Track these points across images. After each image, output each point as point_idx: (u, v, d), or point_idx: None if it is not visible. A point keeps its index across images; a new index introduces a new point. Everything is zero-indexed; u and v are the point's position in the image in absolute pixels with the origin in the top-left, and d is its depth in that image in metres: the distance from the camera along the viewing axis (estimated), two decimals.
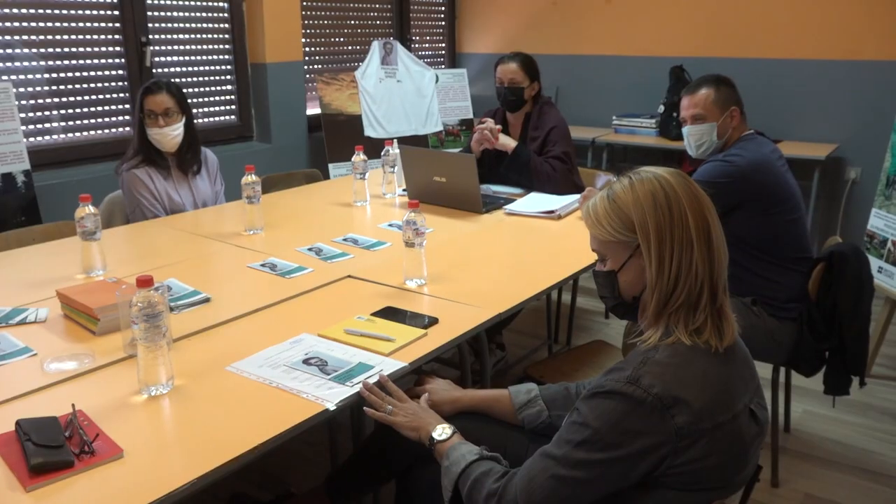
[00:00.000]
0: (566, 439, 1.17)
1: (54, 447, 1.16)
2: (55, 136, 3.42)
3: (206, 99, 4.06)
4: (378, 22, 5.11)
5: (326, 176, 4.17)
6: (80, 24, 3.42)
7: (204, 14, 3.96)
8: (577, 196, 2.78)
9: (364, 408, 1.43)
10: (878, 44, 4.10)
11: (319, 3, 4.62)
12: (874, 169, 3.82)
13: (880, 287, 3.13)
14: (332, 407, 1.34)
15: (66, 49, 3.39)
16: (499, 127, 3.08)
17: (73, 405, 1.28)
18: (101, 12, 3.48)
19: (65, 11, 3.35)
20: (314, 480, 1.86)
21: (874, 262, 3.21)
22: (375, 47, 4.55)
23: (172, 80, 3.33)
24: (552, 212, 2.68)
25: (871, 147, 4.10)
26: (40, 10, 3.26)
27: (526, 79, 3.09)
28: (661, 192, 1.19)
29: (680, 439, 1.11)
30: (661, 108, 4.60)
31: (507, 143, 3.05)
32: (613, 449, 1.12)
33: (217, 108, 4.15)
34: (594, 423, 1.14)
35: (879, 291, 3.02)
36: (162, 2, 3.72)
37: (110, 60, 3.55)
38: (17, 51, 3.24)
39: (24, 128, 3.18)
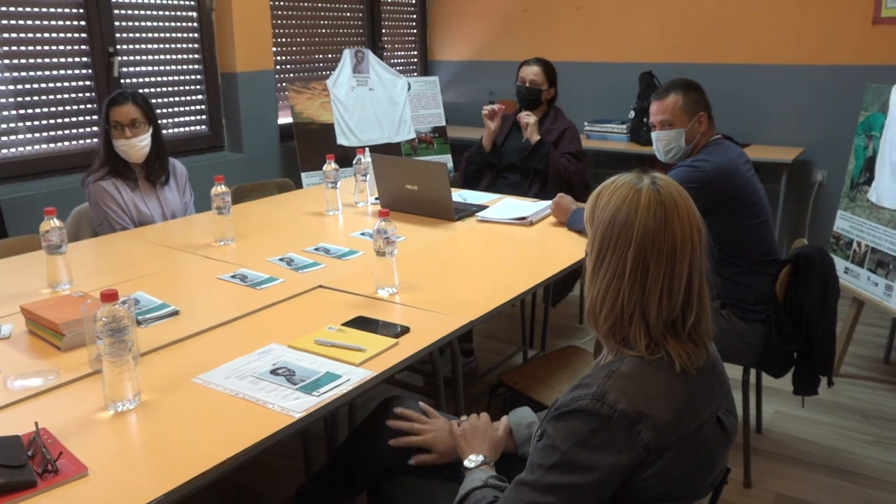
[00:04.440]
0: (537, 464, 1.15)
1: (16, 467, 1.14)
2: (21, 149, 3.36)
3: (176, 109, 4.02)
4: (349, 30, 5.11)
5: (299, 185, 4.15)
6: (46, 35, 3.37)
7: (172, 24, 3.93)
8: (548, 203, 2.80)
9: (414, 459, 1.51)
10: (843, 48, 4.18)
11: (290, 12, 4.61)
12: (840, 171, 3.89)
13: (847, 287, 3.19)
14: (297, 416, 1.33)
15: (32, 60, 3.34)
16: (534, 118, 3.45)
17: (36, 423, 1.26)
18: (68, 23, 3.44)
19: (30, 22, 3.31)
20: (288, 493, 1.85)
21: (840, 263, 3.27)
22: (347, 55, 4.55)
23: (140, 90, 3.30)
24: (524, 218, 2.69)
25: (836, 150, 4.17)
26: (5, 21, 3.22)
27: (546, 82, 3.49)
28: (623, 213, 1.16)
29: (647, 454, 1.09)
30: (632, 114, 4.65)
31: (534, 134, 3.42)
32: (584, 470, 1.10)
33: (187, 119, 4.11)
34: (563, 444, 1.11)
35: (846, 292, 3.07)
36: (129, 12, 3.69)
37: (77, 71, 3.51)
38: None
39: None
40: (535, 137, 3.42)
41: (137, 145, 2.65)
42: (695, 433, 1.14)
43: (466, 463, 1.42)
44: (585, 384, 1.15)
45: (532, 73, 3.47)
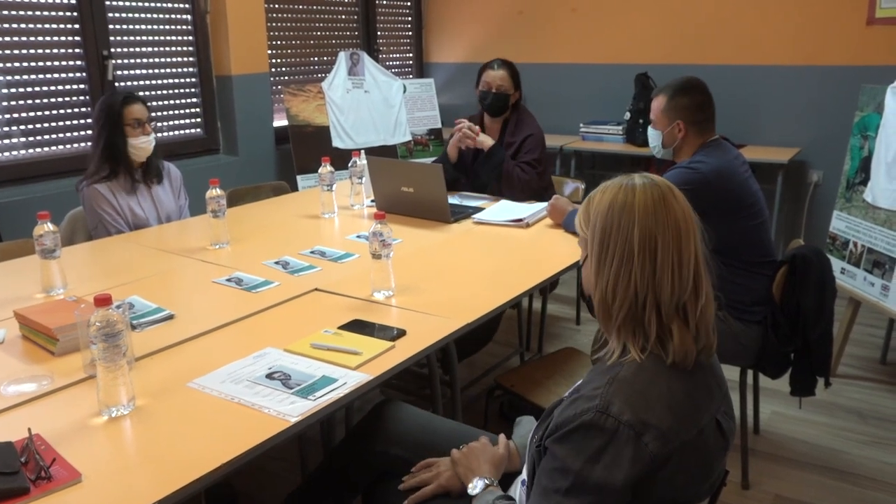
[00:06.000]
0: (552, 489, 1.10)
1: (9, 474, 1.13)
2: (15, 152, 3.35)
3: (171, 112, 4.01)
4: (344, 32, 5.10)
5: (295, 188, 4.14)
6: (40, 38, 3.36)
7: (167, 27, 3.92)
8: (544, 204, 2.79)
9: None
10: (838, 49, 4.19)
11: (285, 14, 4.60)
12: (836, 172, 3.90)
13: (843, 288, 3.19)
14: (293, 420, 1.33)
15: (26, 63, 3.33)
16: (478, 128, 3.19)
17: (29, 429, 1.25)
18: (61, 26, 3.43)
19: (24, 25, 3.29)
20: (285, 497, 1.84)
21: (837, 264, 3.27)
22: (342, 58, 4.54)
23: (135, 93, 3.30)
24: (520, 220, 2.69)
25: (832, 150, 4.17)
26: None
27: (512, 86, 3.24)
28: (621, 198, 1.17)
29: (654, 463, 1.08)
30: (628, 115, 4.65)
31: (486, 141, 3.16)
32: (600, 488, 1.07)
33: (182, 122, 4.10)
34: (574, 464, 1.08)
35: (842, 292, 3.07)
36: (124, 15, 3.67)
37: (71, 75, 3.50)
38: None
39: None
40: (488, 143, 3.14)
41: (152, 142, 2.72)
42: (696, 438, 1.12)
43: (470, 490, 1.38)
44: (588, 395, 1.11)
45: (499, 77, 3.21)
